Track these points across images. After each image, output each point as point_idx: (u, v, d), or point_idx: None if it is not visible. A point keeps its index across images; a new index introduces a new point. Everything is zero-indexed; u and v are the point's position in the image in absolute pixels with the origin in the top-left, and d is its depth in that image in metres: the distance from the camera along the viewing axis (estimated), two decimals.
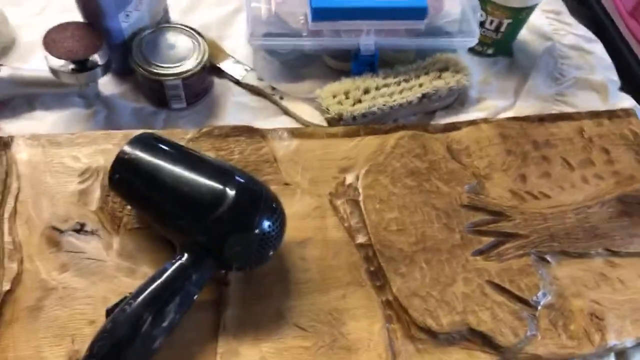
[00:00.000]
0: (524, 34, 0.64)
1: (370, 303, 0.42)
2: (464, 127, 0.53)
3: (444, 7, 0.60)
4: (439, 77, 0.56)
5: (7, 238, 0.42)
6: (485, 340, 0.41)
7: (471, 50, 0.62)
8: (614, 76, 0.62)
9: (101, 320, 0.38)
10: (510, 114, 0.58)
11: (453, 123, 0.54)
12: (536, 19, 0.66)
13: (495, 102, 0.59)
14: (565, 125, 0.54)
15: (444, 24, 0.59)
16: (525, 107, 0.58)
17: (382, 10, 0.54)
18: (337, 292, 0.42)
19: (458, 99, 0.59)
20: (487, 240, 0.46)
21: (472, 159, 0.51)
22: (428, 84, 0.55)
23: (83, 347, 0.38)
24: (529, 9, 0.58)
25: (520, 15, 0.58)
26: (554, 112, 0.57)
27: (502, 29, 0.59)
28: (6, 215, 0.43)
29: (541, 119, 0.54)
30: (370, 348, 0.40)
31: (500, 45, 0.62)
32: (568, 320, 0.43)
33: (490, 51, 0.62)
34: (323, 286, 0.42)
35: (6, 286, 0.40)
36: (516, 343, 0.41)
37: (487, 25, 0.60)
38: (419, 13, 0.54)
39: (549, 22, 0.66)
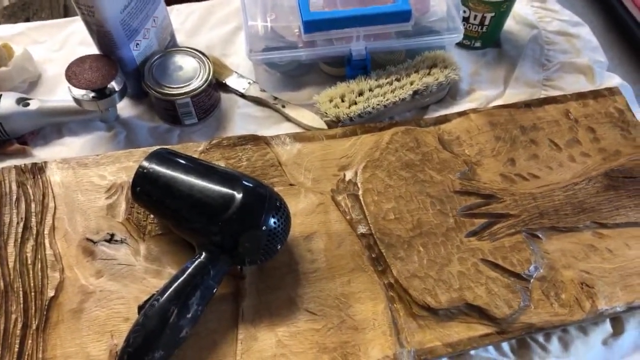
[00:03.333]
0: (510, 24, 0.67)
1: (373, 286, 0.46)
2: (454, 118, 0.56)
3: (431, 7, 0.63)
4: (429, 73, 0.60)
5: (48, 251, 0.47)
6: (481, 313, 0.45)
7: (460, 45, 0.66)
8: (600, 57, 0.65)
9: (134, 316, 0.43)
10: (500, 102, 0.61)
11: (444, 115, 0.57)
12: (522, 9, 0.69)
13: (485, 92, 0.62)
14: (551, 109, 0.57)
15: (431, 23, 0.63)
16: (514, 94, 0.61)
17: (369, 17, 0.58)
18: (343, 278, 0.47)
19: (450, 93, 0.62)
20: (480, 222, 0.49)
21: (463, 148, 0.54)
22: (418, 81, 0.59)
23: (121, 340, 0.43)
24: (510, 2, 0.61)
25: (501, 8, 0.61)
26: (542, 97, 0.60)
27: (486, 22, 0.63)
28: (46, 231, 0.48)
29: (528, 104, 0.57)
30: (376, 327, 0.44)
31: (487, 38, 0.65)
32: (560, 290, 0.46)
33: (478, 44, 0.66)
34: (329, 274, 0.47)
35: (51, 293, 0.45)
36: (510, 314, 0.44)
37: (471, 20, 0.63)
38: (404, 16, 0.58)
39: (534, 11, 0.69)
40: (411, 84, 0.59)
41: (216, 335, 0.44)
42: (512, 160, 0.53)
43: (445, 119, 0.57)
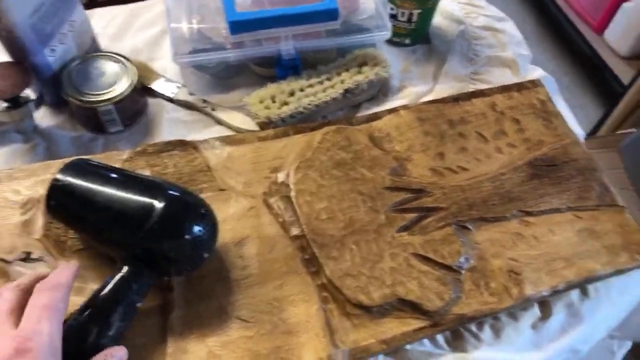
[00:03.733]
0: (438, 20, 0.68)
1: (306, 288, 0.45)
2: (384, 115, 0.57)
3: (360, 5, 0.63)
4: (359, 72, 0.60)
5: None
6: (414, 308, 0.45)
7: (390, 42, 0.66)
8: (524, 50, 0.67)
9: None
10: (430, 97, 0.62)
11: (375, 113, 0.58)
12: (449, 5, 0.70)
13: (415, 88, 0.63)
14: (478, 102, 0.58)
15: (361, 21, 0.63)
16: (444, 89, 0.62)
17: (296, 16, 0.57)
18: (275, 282, 0.46)
19: (381, 90, 0.63)
20: (411, 216, 0.49)
21: (394, 144, 0.54)
22: (349, 79, 0.59)
23: None
24: None
25: (427, 5, 0.62)
26: (470, 90, 0.62)
27: (414, 19, 0.63)
28: None
29: (456, 98, 0.58)
30: (309, 329, 0.43)
31: (416, 34, 0.66)
32: (489, 279, 0.47)
33: (407, 41, 0.66)
34: (262, 279, 0.46)
35: None
36: (442, 306, 0.45)
37: (399, 17, 0.64)
38: (331, 15, 0.57)
39: (461, 7, 0.70)
40: (342, 82, 0.59)
41: (144, 351, 0.42)
42: (441, 154, 0.54)
43: (376, 116, 0.57)
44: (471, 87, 0.62)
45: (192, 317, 0.43)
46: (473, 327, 0.47)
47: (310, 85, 0.59)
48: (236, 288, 0.45)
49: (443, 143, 0.55)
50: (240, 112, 0.59)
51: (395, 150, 0.54)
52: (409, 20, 0.64)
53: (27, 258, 0.45)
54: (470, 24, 0.69)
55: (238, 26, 0.56)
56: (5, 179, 0.49)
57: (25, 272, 0.44)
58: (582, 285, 0.48)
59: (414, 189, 0.51)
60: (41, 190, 0.49)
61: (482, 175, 0.53)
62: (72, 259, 0.46)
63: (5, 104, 0.52)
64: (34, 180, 0.49)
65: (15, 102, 0.53)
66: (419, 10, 0.63)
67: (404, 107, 0.58)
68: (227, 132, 0.58)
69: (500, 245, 0.48)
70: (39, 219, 0.47)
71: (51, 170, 0.50)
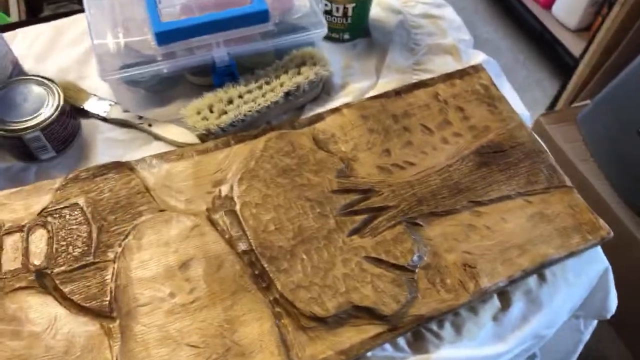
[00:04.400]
0: (376, 12, 0.67)
1: (258, 305, 0.44)
2: (327, 116, 0.55)
3: (293, 5, 0.61)
4: (299, 72, 0.58)
5: None
6: (371, 313, 0.43)
7: (329, 38, 0.65)
8: (465, 35, 0.66)
9: None
10: (374, 92, 0.60)
11: (318, 114, 0.56)
12: None
13: (358, 84, 0.61)
14: (421, 93, 0.57)
15: (296, 20, 0.61)
16: (387, 82, 0.61)
17: (225, 21, 0.55)
18: (225, 303, 0.44)
19: (324, 89, 0.61)
20: (361, 218, 0.48)
21: (339, 145, 0.53)
22: (288, 81, 0.57)
23: None
24: None
25: None
26: (413, 82, 0.60)
27: (349, 13, 0.62)
28: None
29: (398, 92, 0.57)
30: (263, 348, 0.42)
31: (354, 29, 0.64)
32: (444, 276, 0.46)
33: (347, 36, 0.65)
34: (210, 301, 0.44)
35: None
36: (399, 309, 0.44)
37: (334, 12, 0.62)
38: (261, 16, 0.55)
39: None
40: (281, 85, 0.57)
41: None
42: (387, 150, 0.53)
43: (320, 117, 0.55)
44: (414, 78, 0.61)
45: (139, 349, 0.41)
46: (433, 326, 0.46)
47: (249, 91, 0.57)
48: (184, 313, 0.43)
49: (388, 139, 0.53)
50: (179, 126, 0.57)
51: (341, 151, 0.52)
52: (345, 15, 0.62)
53: None
54: (409, 12, 0.68)
55: (165, 36, 0.54)
56: None
57: None
58: (538, 271, 0.47)
59: (362, 189, 0.50)
60: None
61: (429, 169, 0.51)
62: (5, 300, 0.43)
63: None
64: None
65: None
66: (354, 4, 0.61)
67: (347, 105, 0.56)
68: (167, 148, 0.56)
69: (453, 238, 0.47)
70: None
71: None
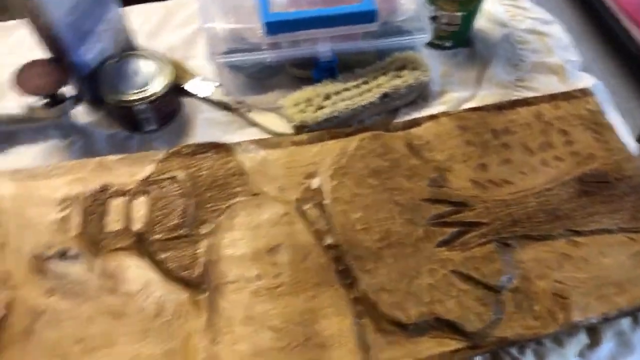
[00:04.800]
0: (481, 23, 0.66)
1: (340, 301, 0.44)
2: (423, 122, 0.55)
3: (399, 7, 0.61)
4: (398, 75, 0.58)
5: None
6: (453, 328, 0.43)
7: (430, 45, 0.64)
8: (572, 56, 0.63)
9: (88, 337, 0.41)
10: (472, 104, 0.59)
11: (414, 119, 0.56)
12: (493, 7, 0.67)
13: (456, 93, 0.60)
14: (523, 111, 0.55)
15: (400, 23, 0.60)
16: (486, 95, 0.60)
17: (333, 18, 0.55)
18: (308, 293, 0.44)
19: (421, 95, 0.60)
20: (451, 231, 0.47)
21: (433, 153, 0.52)
22: (387, 83, 0.57)
23: None
24: (478, 0, 0.59)
25: (470, 7, 0.60)
26: (514, 98, 0.59)
27: (456, 21, 0.61)
28: None
29: (499, 107, 0.56)
30: (342, 344, 0.42)
31: (458, 37, 0.63)
32: (533, 302, 0.44)
33: (448, 44, 0.64)
34: (294, 289, 0.44)
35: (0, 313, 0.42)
36: (483, 328, 0.43)
37: (440, 19, 0.61)
38: (369, 16, 0.55)
39: (506, 9, 0.67)
40: (379, 86, 0.57)
41: (175, 355, 0.41)
42: (484, 165, 0.52)
43: (415, 123, 0.55)
44: (515, 95, 0.60)
45: (223, 324, 0.43)
46: (514, 351, 0.44)
47: (347, 89, 0.57)
48: (268, 297, 0.44)
49: (486, 154, 0.52)
50: (276, 114, 0.58)
51: (436, 159, 0.52)
52: (451, 23, 0.61)
53: (63, 255, 0.45)
54: (515, 26, 0.66)
55: (273, 27, 0.55)
56: (42, 176, 0.49)
57: (61, 269, 0.44)
58: (635, 313, 0.45)
59: (455, 201, 0.49)
60: (78, 188, 0.49)
61: (527, 190, 0.50)
62: (106, 259, 0.45)
63: (44, 100, 0.52)
64: (71, 178, 0.49)
65: (54, 99, 0.53)
66: (462, 13, 0.60)
67: (445, 113, 0.55)
68: (262, 134, 0.57)
69: (546, 265, 0.46)
70: (75, 217, 0.47)
71: (87, 168, 0.50)
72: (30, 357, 0.41)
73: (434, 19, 0.61)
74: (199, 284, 0.44)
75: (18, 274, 0.44)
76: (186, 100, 0.60)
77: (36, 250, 0.45)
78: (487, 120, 0.55)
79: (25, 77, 0.52)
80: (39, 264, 0.45)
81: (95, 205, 0.48)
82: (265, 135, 0.57)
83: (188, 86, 0.60)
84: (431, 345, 0.42)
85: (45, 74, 0.52)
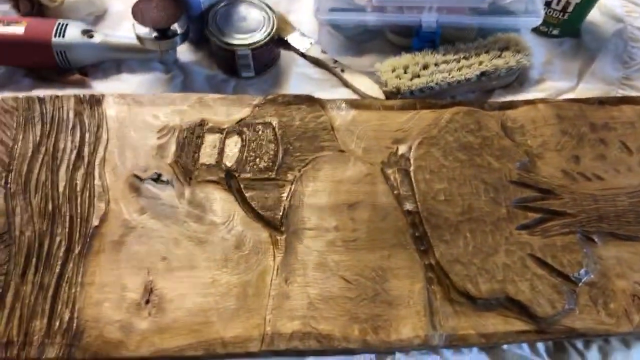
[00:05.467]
0: (594, 14, 0.63)
1: (413, 264, 0.45)
2: (520, 105, 0.54)
3: None
4: (500, 56, 0.57)
5: (97, 182, 0.48)
6: (522, 310, 0.43)
7: (536, 30, 0.62)
8: None
9: (173, 257, 0.44)
10: (571, 96, 0.57)
11: (510, 101, 0.55)
12: (609, 0, 0.64)
13: (556, 83, 0.58)
14: (628, 109, 0.53)
15: (509, 3, 0.59)
16: (588, 89, 0.58)
17: None
18: (383, 252, 0.45)
19: (518, 79, 0.59)
20: (534, 216, 0.47)
21: (526, 138, 0.51)
22: (488, 62, 0.56)
23: (156, 278, 0.44)
24: None
25: None
26: (620, 95, 0.56)
27: (570, 9, 0.59)
28: (97, 162, 0.49)
29: (602, 101, 0.54)
30: (410, 305, 0.43)
31: (567, 26, 0.61)
32: (609, 299, 0.43)
33: (555, 32, 0.62)
34: (369, 245, 0.46)
35: (95, 222, 0.46)
36: (553, 315, 0.42)
37: (553, 5, 0.59)
38: None
39: (622, 4, 0.64)
40: (480, 64, 0.56)
41: (249, 287, 0.44)
42: (577, 157, 0.50)
43: (511, 105, 0.54)
44: (620, 92, 0.57)
45: (298, 267, 0.45)
46: (579, 344, 0.44)
47: (446, 62, 0.57)
48: (343, 248, 0.46)
49: (580, 146, 0.51)
50: (368, 78, 0.58)
51: (527, 144, 0.51)
52: (564, 10, 0.59)
53: (157, 179, 0.48)
54: (630, 23, 0.62)
55: None
56: (147, 103, 0.52)
57: (154, 191, 0.48)
58: None
59: (542, 188, 0.48)
60: (177, 119, 0.52)
61: (619, 188, 0.48)
62: (196, 188, 0.48)
63: (155, 34, 0.55)
64: (172, 109, 0.52)
65: (165, 34, 0.55)
66: (578, 0, 0.58)
67: (543, 100, 0.54)
68: (352, 95, 0.58)
69: (628, 266, 0.45)
70: (172, 146, 0.50)
71: (188, 103, 0.53)
72: (119, 264, 0.45)
73: (547, 4, 0.59)
74: (279, 225, 0.47)
75: (115, 189, 0.48)
76: (283, 53, 0.61)
77: (134, 170, 0.49)
78: (586, 114, 0.53)
79: (142, 9, 0.55)
80: (135, 183, 0.48)
81: (191, 137, 0.51)
82: (355, 97, 0.58)
83: (288, 39, 0.61)
84: (497, 322, 0.43)
85: (161, 8, 0.55)
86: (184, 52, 0.61)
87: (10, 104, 0.51)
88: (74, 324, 0.42)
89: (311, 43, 0.61)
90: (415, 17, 0.57)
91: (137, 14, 0.54)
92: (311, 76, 0.60)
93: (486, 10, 0.57)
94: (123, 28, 0.61)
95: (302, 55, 0.61)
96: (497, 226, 0.46)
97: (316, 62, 0.61)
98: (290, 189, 0.48)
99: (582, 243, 0.46)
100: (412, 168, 0.49)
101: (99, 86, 0.58)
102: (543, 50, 0.61)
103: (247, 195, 0.48)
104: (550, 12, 0.60)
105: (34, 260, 0.44)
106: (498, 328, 0.42)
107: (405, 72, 0.56)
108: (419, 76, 0.56)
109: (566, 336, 0.42)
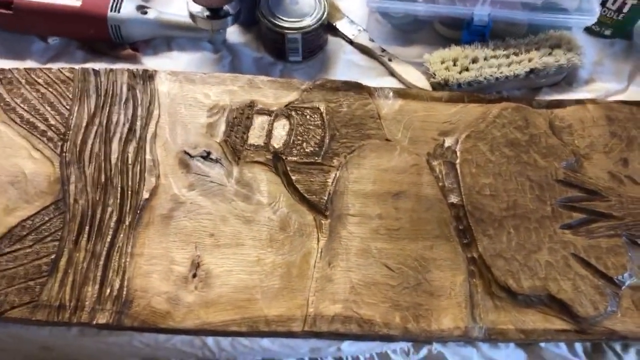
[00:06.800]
0: None
1: (455, 257, 0.45)
2: (569, 105, 0.53)
3: None
4: (550, 53, 0.56)
5: (148, 156, 0.49)
6: (563, 308, 0.43)
7: (587, 29, 0.61)
8: None
9: (220, 233, 0.45)
10: (621, 98, 0.57)
11: (558, 100, 0.54)
12: None
13: (606, 84, 0.58)
14: None
15: (561, 0, 0.58)
16: (638, 92, 0.57)
17: None
18: (426, 242, 0.46)
19: (566, 78, 0.59)
20: (578, 216, 0.47)
21: (574, 137, 0.51)
22: (538, 59, 0.55)
23: (203, 253, 0.45)
24: None
25: None
26: None
27: (625, 9, 0.58)
28: (148, 137, 0.50)
29: None
30: (452, 296, 0.44)
31: (620, 27, 0.60)
32: None
33: (608, 32, 0.61)
34: (413, 235, 0.46)
35: (145, 195, 0.47)
36: (594, 316, 0.43)
37: (609, 4, 0.58)
38: None
39: None
40: (529, 60, 0.56)
41: (293, 268, 0.45)
42: (625, 160, 0.50)
43: (560, 103, 0.54)
44: None
45: (341, 251, 0.45)
46: (618, 346, 0.44)
47: (495, 57, 0.56)
48: (387, 236, 0.46)
49: (630, 149, 0.50)
50: (415, 68, 0.58)
51: (575, 144, 0.51)
52: (619, 10, 0.58)
53: (207, 156, 0.49)
54: None
55: None
56: (199, 81, 0.53)
57: (203, 169, 0.49)
58: None
59: (588, 189, 0.48)
60: (227, 99, 0.52)
61: None
62: (244, 168, 0.49)
63: (207, 13, 0.56)
64: (222, 89, 0.53)
65: (217, 13, 0.56)
66: (635, 1, 0.57)
67: (592, 101, 0.54)
68: (398, 85, 0.58)
69: None
70: (222, 125, 0.51)
71: (238, 83, 0.53)
72: (168, 238, 0.46)
73: (602, 3, 0.58)
74: (324, 210, 0.47)
75: (165, 164, 0.49)
76: (331, 39, 0.62)
77: (184, 147, 0.50)
78: (637, 117, 0.52)
79: None
80: (185, 159, 0.49)
81: (241, 117, 0.51)
82: (402, 86, 0.58)
83: (336, 25, 0.61)
84: (537, 319, 0.43)
85: None
86: (233, 33, 0.61)
87: (66, 75, 0.52)
88: (124, 293, 0.43)
89: (359, 30, 0.61)
90: (467, 10, 0.56)
91: None
92: (358, 63, 0.60)
93: (539, 6, 0.56)
94: (174, 6, 0.62)
95: (350, 42, 0.61)
96: (541, 224, 0.46)
97: (363, 50, 0.61)
98: (336, 174, 0.49)
99: (628, 247, 0.46)
100: (458, 161, 0.49)
101: (149, 62, 0.59)
102: (593, 50, 0.60)
103: (293, 178, 0.48)
104: (604, 11, 0.59)
105: (86, 228, 0.46)
106: (537, 325, 0.43)
107: (454, 65, 0.56)
108: (467, 69, 0.55)
109: (606, 338, 0.43)
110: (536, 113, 0.52)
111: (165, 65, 0.58)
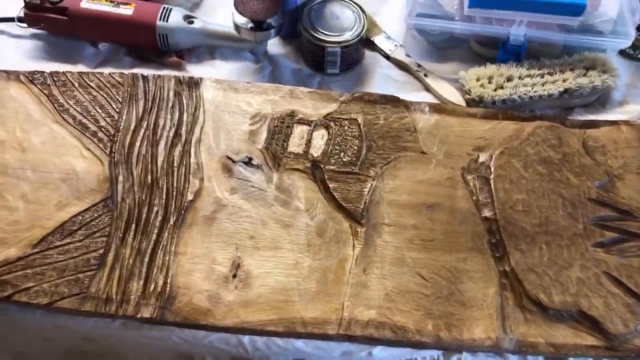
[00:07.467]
0: None
1: (488, 269, 0.47)
2: (602, 125, 0.54)
3: (600, 5, 0.60)
4: (585, 74, 0.57)
5: (192, 159, 0.51)
6: (593, 325, 0.44)
7: (621, 52, 0.62)
8: None
9: (260, 236, 0.47)
10: None
11: (592, 120, 0.55)
12: None
13: (638, 107, 0.59)
14: None
15: (598, 22, 0.60)
16: None
17: (537, 4, 0.56)
18: (459, 254, 0.47)
19: (599, 99, 0.60)
20: (611, 235, 0.48)
21: (607, 158, 0.52)
22: (572, 79, 0.57)
23: (244, 255, 0.47)
24: None
25: None
26: None
27: None
28: (193, 141, 0.52)
29: None
30: (483, 307, 0.45)
31: None
32: None
33: None
34: (446, 246, 0.48)
35: (190, 197, 0.49)
36: (625, 333, 0.43)
37: None
38: (576, 10, 0.55)
39: None
40: (564, 81, 0.57)
41: (329, 273, 0.46)
42: None
43: (593, 124, 0.55)
44: None
45: (376, 259, 0.47)
46: None
47: (529, 76, 0.58)
48: (421, 246, 0.48)
49: None
50: (450, 85, 0.60)
51: (608, 164, 0.52)
52: None
53: (248, 162, 0.51)
54: None
55: (479, 1, 0.56)
56: (242, 90, 0.55)
57: (245, 174, 0.51)
58: None
59: (621, 209, 0.49)
60: (269, 108, 0.54)
61: None
62: (284, 175, 0.51)
63: (251, 24, 0.58)
64: (264, 98, 0.55)
65: (261, 25, 0.58)
66: None
67: (626, 122, 0.55)
68: (433, 100, 0.59)
69: None
70: (263, 133, 0.53)
71: (279, 93, 0.55)
72: (210, 238, 0.48)
73: (638, 28, 0.59)
74: (360, 218, 0.49)
75: (208, 167, 0.51)
76: (368, 54, 0.64)
77: (226, 152, 0.52)
78: None
79: (243, 0, 0.58)
80: (228, 164, 0.51)
81: (282, 126, 0.53)
82: (437, 102, 0.59)
83: (375, 40, 0.63)
84: (567, 334, 0.44)
85: (261, 1, 0.57)
86: (274, 45, 0.64)
87: (117, 79, 0.55)
88: (167, 289, 0.45)
89: (396, 46, 0.63)
90: (504, 30, 0.58)
91: (239, 4, 0.57)
92: (394, 78, 0.62)
93: (575, 28, 0.58)
94: (219, 16, 0.64)
95: (387, 57, 0.63)
96: (573, 241, 0.47)
97: (399, 65, 0.62)
98: (372, 184, 0.51)
99: None
100: (492, 176, 0.51)
101: (193, 70, 0.61)
102: (627, 72, 0.61)
103: (330, 186, 0.50)
104: (638, 35, 0.60)
105: (133, 226, 0.48)
106: (568, 340, 0.44)
107: (489, 82, 0.57)
108: (502, 87, 0.57)
109: (635, 355, 0.43)
110: (570, 132, 0.53)
111: (208, 73, 0.61)
